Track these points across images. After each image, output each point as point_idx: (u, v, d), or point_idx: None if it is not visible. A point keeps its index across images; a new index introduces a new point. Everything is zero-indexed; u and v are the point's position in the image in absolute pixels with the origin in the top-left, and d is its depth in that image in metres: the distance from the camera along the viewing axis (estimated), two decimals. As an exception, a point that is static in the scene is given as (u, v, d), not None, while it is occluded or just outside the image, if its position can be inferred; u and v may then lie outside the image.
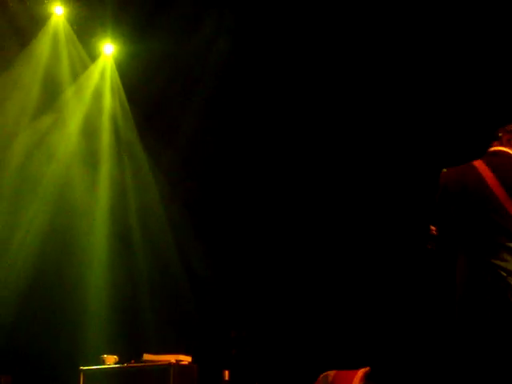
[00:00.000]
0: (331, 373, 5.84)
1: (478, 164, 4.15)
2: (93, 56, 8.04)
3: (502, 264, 3.80)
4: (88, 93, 8.03)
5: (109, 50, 8.06)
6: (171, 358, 6.11)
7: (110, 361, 6.31)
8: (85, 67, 8.01)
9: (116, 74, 8.12)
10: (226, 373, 5.96)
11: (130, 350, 6.41)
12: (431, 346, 6.53)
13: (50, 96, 7.82)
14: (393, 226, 7.01)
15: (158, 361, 6.14)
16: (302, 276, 7.29)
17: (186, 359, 6.22)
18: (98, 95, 8.09)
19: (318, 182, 7.43)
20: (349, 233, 7.20)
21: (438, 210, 4.13)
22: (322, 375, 5.86)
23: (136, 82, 8.01)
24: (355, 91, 7.20)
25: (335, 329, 6.93)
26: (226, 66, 7.69)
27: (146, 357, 6.20)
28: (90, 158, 7.98)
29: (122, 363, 6.23)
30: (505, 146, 4.29)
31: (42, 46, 7.70)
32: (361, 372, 5.71)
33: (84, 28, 7.77)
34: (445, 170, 4.21)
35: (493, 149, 4.25)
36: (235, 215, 7.79)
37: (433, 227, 4.19)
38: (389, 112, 7.06)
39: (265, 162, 7.79)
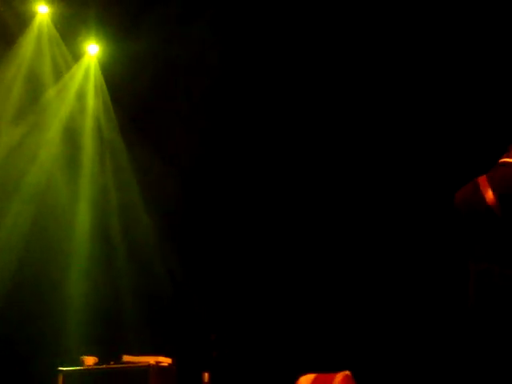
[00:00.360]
0: (311, 376, 5.83)
1: (481, 179, 4.17)
2: (77, 56, 8.00)
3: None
4: (71, 93, 8.00)
5: (93, 50, 8.03)
6: (151, 360, 6.13)
7: (90, 362, 6.31)
8: (68, 67, 7.98)
9: (100, 75, 8.09)
10: (206, 375, 5.95)
11: (109, 351, 6.39)
12: (416, 349, 6.55)
13: (33, 96, 7.78)
14: (367, 227, 7.04)
15: (138, 362, 6.15)
16: (283, 278, 7.28)
17: (165, 361, 6.23)
18: (81, 95, 8.06)
19: (295, 192, 7.43)
20: (326, 235, 7.21)
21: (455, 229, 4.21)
22: (301, 377, 5.85)
23: (120, 83, 7.98)
24: (355, 97, 7.20)
25: (317, 331, 6.93)
26: (212, 66, 7.67)
27: (126, 358, 6.21)
28: (72, 158, 7.95)
29: (102, 364, 6.23)
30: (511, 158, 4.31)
31: (26, 46, 7.67)
32: (340, 375, 5.70)
33: (68, 27, 7.74)
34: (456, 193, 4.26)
35: (500, 161, 4.28)
36: (217, 217, 7.77)
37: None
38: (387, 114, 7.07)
39: (249, 164, 7.77)
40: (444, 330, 6.44)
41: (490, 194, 4.06)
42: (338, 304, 6.96)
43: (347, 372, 5.60)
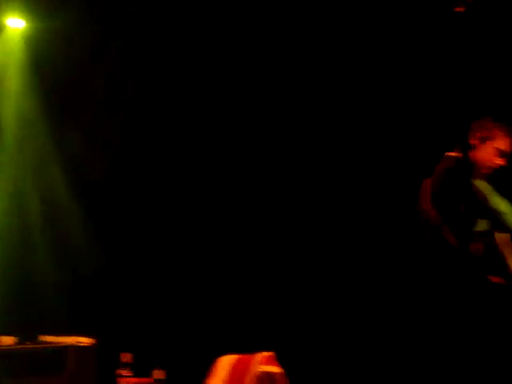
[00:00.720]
0: (232, 356, 5.84)
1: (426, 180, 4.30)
2: (-1, 30, 7.78)
3: None
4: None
5: (16, 24, 7.78)
6: (70, 340, 6.08)
7: (7, 342, 6.20)
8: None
9: (24, 51, 7.86)
10: (128, 356, 5.92)
11: (26, 331, 6.30)
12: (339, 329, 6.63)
13: None
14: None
15: (56, 342, 6.09)
16: (206, 260, 7.28)
17: (85, 341, 6.18)
18: (2, 72, 7.82)
19: (225, 178, 7.42)
20: (245, 217, 7.24)
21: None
22: (221, 358, 5.85)
23: (45, 60, 7.79)
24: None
25: (238, 312, 6.96)
26: (142, 47, 7.56)
27: (44, 338, 6.15)
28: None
29: (18, 345, 6.13)
30: (455, 152, 4.44)
31: None
32: (260, 356, 5.72)
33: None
34: None
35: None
36: (142, 198, 7.69)
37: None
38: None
39: (180, 146, 7.69)
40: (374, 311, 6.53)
41: (425, 190, 4.21)
42: (261, 285, 6.99)
43: (269, 352, 5.64)
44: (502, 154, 4.58)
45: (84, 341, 6.20)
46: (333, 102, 6.97)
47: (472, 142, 4.57)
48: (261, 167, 7.25)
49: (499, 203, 4.34)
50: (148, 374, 5.77)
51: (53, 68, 7.63)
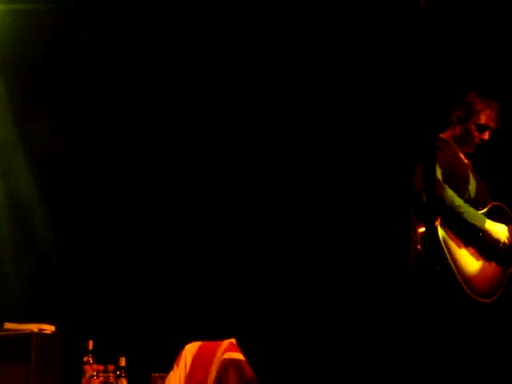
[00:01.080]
0: (196, 343, 5.91)
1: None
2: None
3: None
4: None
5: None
6: (34, 327, 6.02)
7: (-29, 330, 6.15)
8: None
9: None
10: (91, 342, 5.94)
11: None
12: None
13: None
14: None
15: (20, 330, 6.03)
16: (169, 246, 7.31)
17: (49, 328, 6.15)
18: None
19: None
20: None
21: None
22: (186, 346, 5.92)
23: (8, 46, 7.68)
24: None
25: (202, 299, 7.01)
26: (113, 34, 7.50)
27: (7, 325, 6.08)
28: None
29: (-17, 332, 6.09)
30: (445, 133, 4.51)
31: None
32: (226, 342, 5.81)
33: None
34: None
35: None
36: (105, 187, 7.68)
37: None
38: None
39: (147, 136, 7.67)
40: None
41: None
42: (223, 272, 7.04)
43: (232, 340, 5.72)
44: (484, 128, 4.65)
45: (47, 328, 6.17)
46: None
47: (454, 120, 4.63)
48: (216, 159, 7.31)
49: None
50: (114, 361, 5.80)
51: (16, 53, 7.53)
